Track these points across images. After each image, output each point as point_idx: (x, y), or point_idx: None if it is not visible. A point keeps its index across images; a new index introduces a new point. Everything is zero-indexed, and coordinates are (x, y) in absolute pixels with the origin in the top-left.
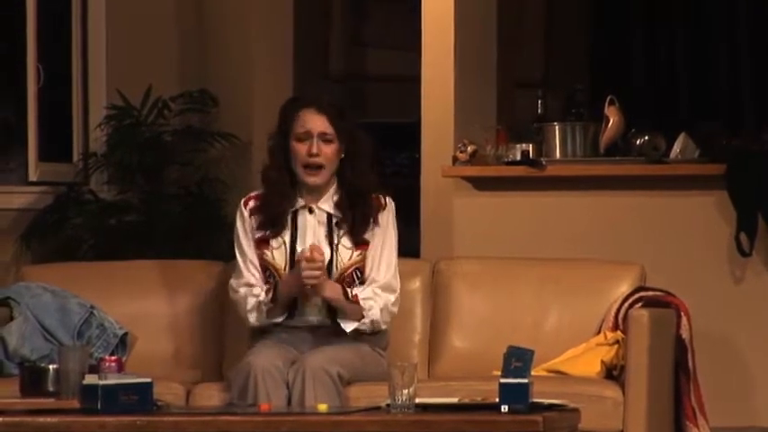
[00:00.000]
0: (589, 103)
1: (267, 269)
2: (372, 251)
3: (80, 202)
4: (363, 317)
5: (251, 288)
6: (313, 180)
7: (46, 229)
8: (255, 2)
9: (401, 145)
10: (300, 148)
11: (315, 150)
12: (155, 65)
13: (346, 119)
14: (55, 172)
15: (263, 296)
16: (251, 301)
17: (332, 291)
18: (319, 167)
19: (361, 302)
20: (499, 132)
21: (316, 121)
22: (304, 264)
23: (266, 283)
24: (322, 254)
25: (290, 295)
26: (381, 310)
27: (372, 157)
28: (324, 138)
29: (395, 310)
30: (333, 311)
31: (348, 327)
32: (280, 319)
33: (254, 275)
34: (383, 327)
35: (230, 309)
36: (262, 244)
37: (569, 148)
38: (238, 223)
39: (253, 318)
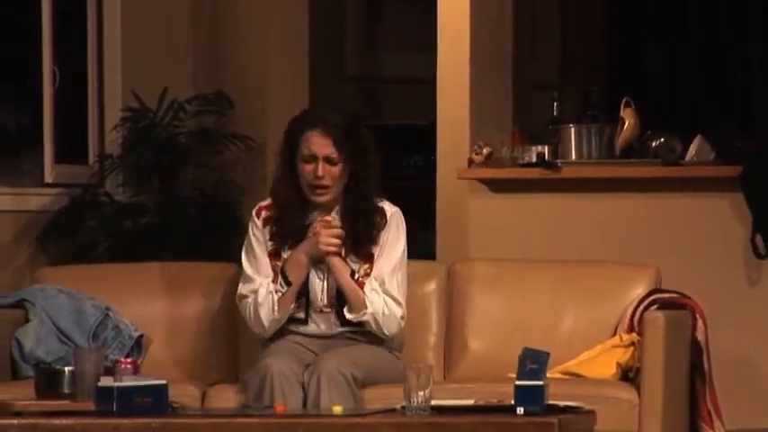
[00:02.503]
0: (605, 104)
1: (277, 272)
2: (377, 258)
3: (95, 203)
4: (366, 307)
5: (261, 288)
6: (320, 199)
7: (61, 231)
8: (271, 4)
9: (416, 147)
10: (307, 169)
11: (320, 173)
12: (170, 67)
13: (353, 136)
14: (70, 174)
15: (272, 286)
16: (261, 294)
17: (342, 264)
18: (326, 187)
19: (365, 291)
20: (515, 134)
21: (320, 145)
22: (321, 229)
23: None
24: (338, 223)
25: (302, 271)
26: (383, 308)
27: (380, 170)
28: (329, 160)
29: (401, 323)
30: (340, 314)
31: (349, 315)
32: (291, 307)
33: (265, 281)
34: (387, 334)
35: None
36: (274, 257)
37: (585, 150)
38: (251, 232)
39: (264, 313)
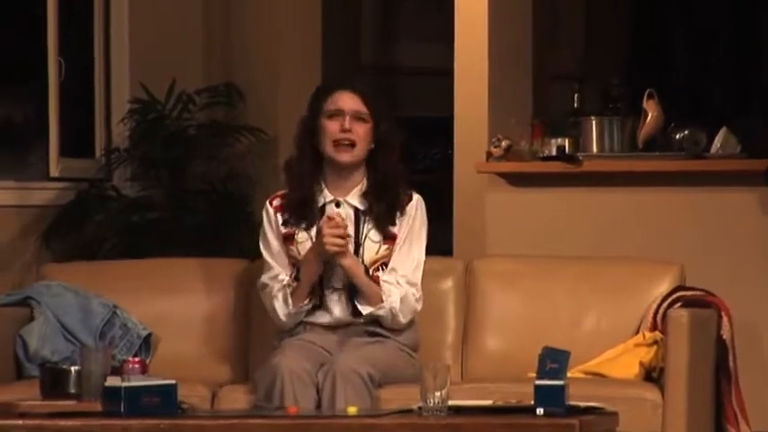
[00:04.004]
0: (627, 96)
1: (294, 265)
2: (398, 244)
3: (102, 198)
4: (382, 301)
5: (279, 277)
6: (344, 158)
7: (67, 226)
8: None
9: (433, 140)
10: (331, 125)
11: (347, 125)
12: (179, 57)
13: (380, 103)
14: (77, 168)
15: (287, 279)
16: (276, 287)
17: (353, 262)
18: (351, 145)
19: (382, 284)
20: (534, 127)
21: (348, 100)
22: (325, 228)
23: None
24: (343, 219)
25: (313, 269)
26: (402, 299)
27: (403, 150)
28: (357, 116)
29: (417, 306)
30: (354, 307)
31: (365, 310)
32: (305, 302)
33: (283, 270)
34: (402, 321)
35: (256, 308)
36: (287, 240)
37: (606, 143)
38: (264, 221)
39: (279, 306)
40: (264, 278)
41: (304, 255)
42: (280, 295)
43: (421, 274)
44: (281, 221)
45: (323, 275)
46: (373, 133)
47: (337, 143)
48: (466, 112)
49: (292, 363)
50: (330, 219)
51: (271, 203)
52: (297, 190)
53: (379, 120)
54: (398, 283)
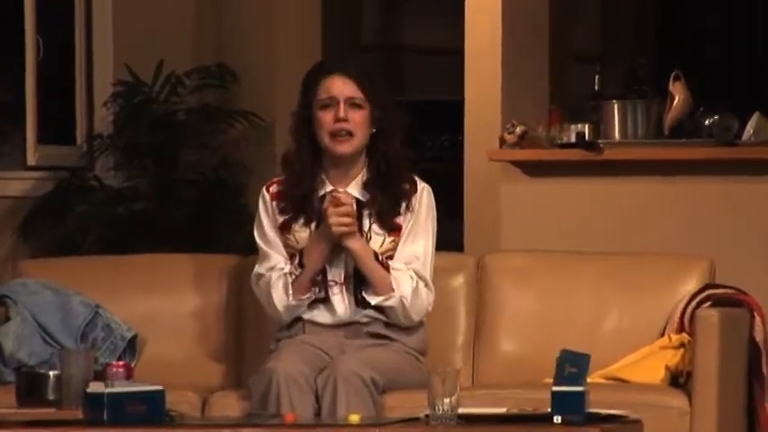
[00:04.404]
0: (652, 78)
1: (293, 256)
2: (403, 238)
3: (84, 189)
4: (392, 290)
5: (277, 267)
6: (341, 149)
7: (46, 219)
8: None
9: (442, 126)
10: (325, 116)
11: (342, 114)
12: (167, 36)
13: (378, 85)
14: (56, 156)
15: (288, 267)
16: (275, 276)
17: (362, 245)
18: (348, 134)
19: (393, 273)
20: (552, 111)
21: (341, 86)
22: (330, 208)
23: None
24: (349, 198)
25: (318, 255)
26: (414, 291)
27: (406, 135)
28: (352, 102)
29: (428, 305)
30: (360, 296)
31: (373, 299)
32: (307, 295)
33: (281, 259)
34: (413, 317)
35: (250, 308)
36: (285, 229)
37: (630, 129)
38: (260, 208)
39: (278, 297)
40: (260, 269)
41: (308, 240)
42: (279, 284)
43: (431, 269)
44: (278, 210)
45: (326, 272)
46: (372, 118)
47: (334, 134)
48: (477, 94)
49: (289, 366)
50: (335, 198)
51: (267, 189)
52: (297, 187)
53: (376, 102)
54: (411, 276)
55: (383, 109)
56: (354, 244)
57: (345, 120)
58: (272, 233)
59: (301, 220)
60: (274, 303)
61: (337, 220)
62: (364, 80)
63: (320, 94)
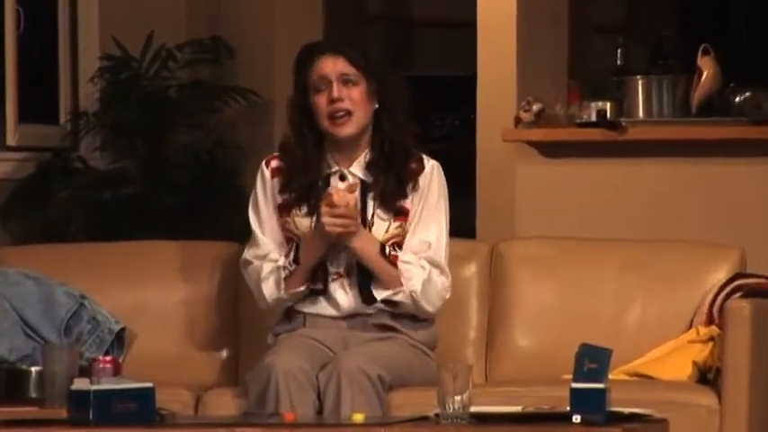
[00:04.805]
0: (679, 52)
1: (291, 240)
2: (412, 222)
3: (68, 171)
4: (401, 285)
5: (269, 257)
6: (342, 131)
7: (27, 203)
8: None
9: (452, 103)
10: (320, 100)
11: (336, 94)
12: (157, 6)
13: (372, 57)
14: (37, 135)
15: (282, 260)
16: (266, 267)
17: (366, 242)
18: (347, 114)
19: (400, 266)
20: (571, 88)
21: (331, 64)
22: (324, 208)
23: (289, 262)
24: (347, 195)
25: (314, 252)
26: (425, 282)
27: (411, 109)
28: (345, 79)
29: (445, 292)
30: (365, 291)
31: (380, 294)
32: (300, 289)
33: (273, 246)
34: (428, 309)
35: (247, 299)
36: (284, 211)
37: (655, 107)
38: (258, 186)
39: (268, 290)
40: (248, 254)
41: (306, 235)
42: (271, 279)
43: (446, 254)
44: (277, 188)
45: (325, 257)
46: (372, 92)
47: (332, 117)
48: (490, 69)
49: (289, 362)
50: (329, 197)
51: (267, 165)
52: (302, 175)
53: (373, 75)
54: (422, 266)
55: (381, 81)
56: (355, 243)
57: (341, 99)
58: (267, 213)
59: (304, 209)
60: (264, 295)
61: (331, 221)
62: (355, 54)
63: (312, 77)
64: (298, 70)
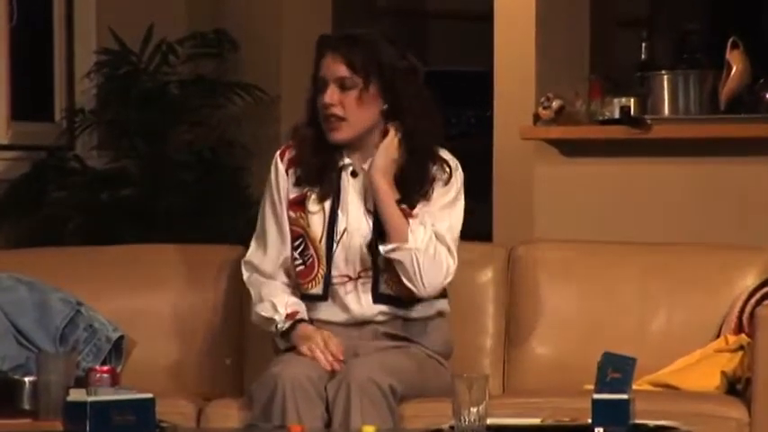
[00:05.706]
0: (706, 46)
1: (301, 237)
2: (431, 209)
3: (63, 171)
4: (407, 241)
5: (270, 284)
6: (334, 136)
7: (20, 204)
8: None
9: (468, 100)
10: (319, 100)
11: (328, 99)
12: None
13: (382, 55)
14: (32, 133)
15: (288, 298)
16: (265, 291)
17: (389, 187)
18: (339, 120)
19: (411, 225)
20: (592, 83)
21: (331, 66)
22: (318, 353)
23: (294, 260)
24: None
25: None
26: (428, 245)
27: (429, 101)
28: (341, 84)
29: (447, 276)
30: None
31: (385, 247)
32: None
33: (279, 246)
34: (426, 285)
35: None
36: (297, 206)
37: (681, 104)
38: (271, 178)
39: (263, 310)
40: (253, 257)
41: (299, 330)
42: (267, 305)
43: (455, 238)
44: (292, 181)
45: (331, 261)
46: (375, 93)
47: (325, 121)
48: (508, 65)
49: (295, 371)
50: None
51: (282, 157)
52: (313, 155)
53: (377, 75)
54: (430, 236)
55: (389, 80)
56: (382, 183)
57: (332, 104)
58: (278, 205)
59: (315, 195)
60: (256, 309)
61: (327, 359)
62: (356, 55)
63: (318, 73)
64: (316, 57)
